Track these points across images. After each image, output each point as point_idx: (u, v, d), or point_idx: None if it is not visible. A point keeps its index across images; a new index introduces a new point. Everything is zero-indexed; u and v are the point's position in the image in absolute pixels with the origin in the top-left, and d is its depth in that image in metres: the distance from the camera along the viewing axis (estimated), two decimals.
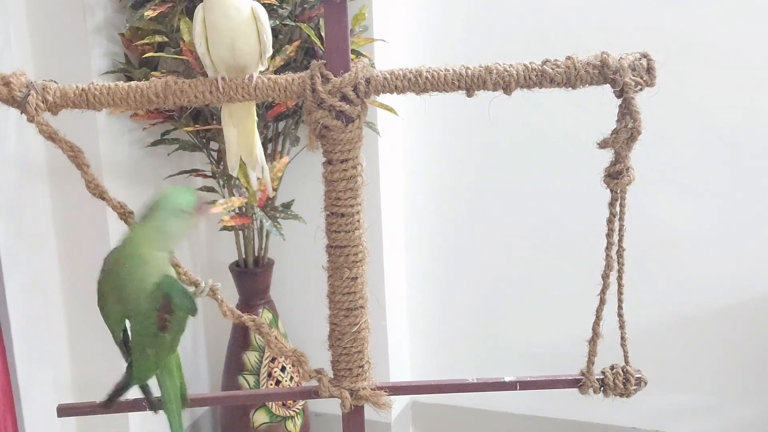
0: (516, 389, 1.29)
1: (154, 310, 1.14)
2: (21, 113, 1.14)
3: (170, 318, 1.15)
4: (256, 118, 1.28)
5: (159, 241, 1.14)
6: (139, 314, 1.14)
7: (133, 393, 1.26)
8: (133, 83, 1.17)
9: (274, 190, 2.08)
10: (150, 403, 1.26)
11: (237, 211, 2.04)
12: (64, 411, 1.29)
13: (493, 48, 2.27)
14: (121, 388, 1.24)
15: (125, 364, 1.23)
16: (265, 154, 1.44)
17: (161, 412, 1.26)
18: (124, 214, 1.22)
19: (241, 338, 2.19)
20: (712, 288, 2.23)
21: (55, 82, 1.16)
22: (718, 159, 2.16)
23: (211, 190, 2.15)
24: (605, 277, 1.22)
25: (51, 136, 1.14)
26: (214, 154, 2.10)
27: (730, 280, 2.21)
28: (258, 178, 1.34)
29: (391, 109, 2.01)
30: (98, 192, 1.20)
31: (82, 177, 1.18)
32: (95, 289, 1.18)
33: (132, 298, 1.14)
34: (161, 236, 1.14)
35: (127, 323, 1.19)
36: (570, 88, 1.14)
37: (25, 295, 1.94)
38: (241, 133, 1.27)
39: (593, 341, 1.26)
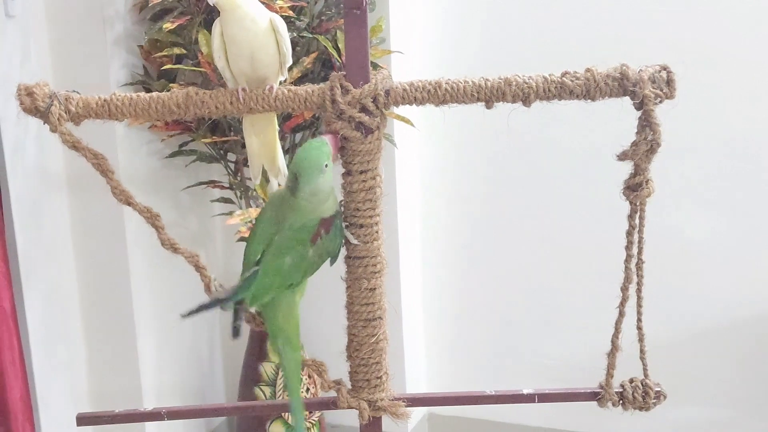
0: (534, 402, 1.28)
1: (319, 219, 1.15)
2: (44, 123, 1.14)
3: (324, 238, 1.16)
4: (277, 128, 1.29)
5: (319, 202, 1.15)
6: (306, 218, 1.15)
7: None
8: (154, 94, 1.18)
9: None
10: (234, 329, 1.20)
11: (254, 222, 2.04)
12: (83, 420, 1.30)
13: (510, 59, 2.27)
14: (219, 301, 1.18)
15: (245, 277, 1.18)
16: None
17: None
18: (151, 218, 1.21)
19: (257, 349, 2.19)
20: (729, 300, 2.21)
21: (77, 92, 1.17)
22: (737, 172, 2.15)
23: (228, 201, 2.16)
24: (624, 289, 1.22)
25: (74, 145, 1.15)
26: (232, 166, 2.11)
27: (748, 292, 2.19)
28: (279, 186, 1.34)
29: (407, 121, 2.02)
30: (124, 198, 1.19)
31: (107, 183, 1.18)
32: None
33: (308, 202, 1.14)
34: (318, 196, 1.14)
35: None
36: (589, 100, 1.14)
37: (43, 304, 1.95)
38: (263, 142, 1.28)
39: (612, 354, 1.25)
